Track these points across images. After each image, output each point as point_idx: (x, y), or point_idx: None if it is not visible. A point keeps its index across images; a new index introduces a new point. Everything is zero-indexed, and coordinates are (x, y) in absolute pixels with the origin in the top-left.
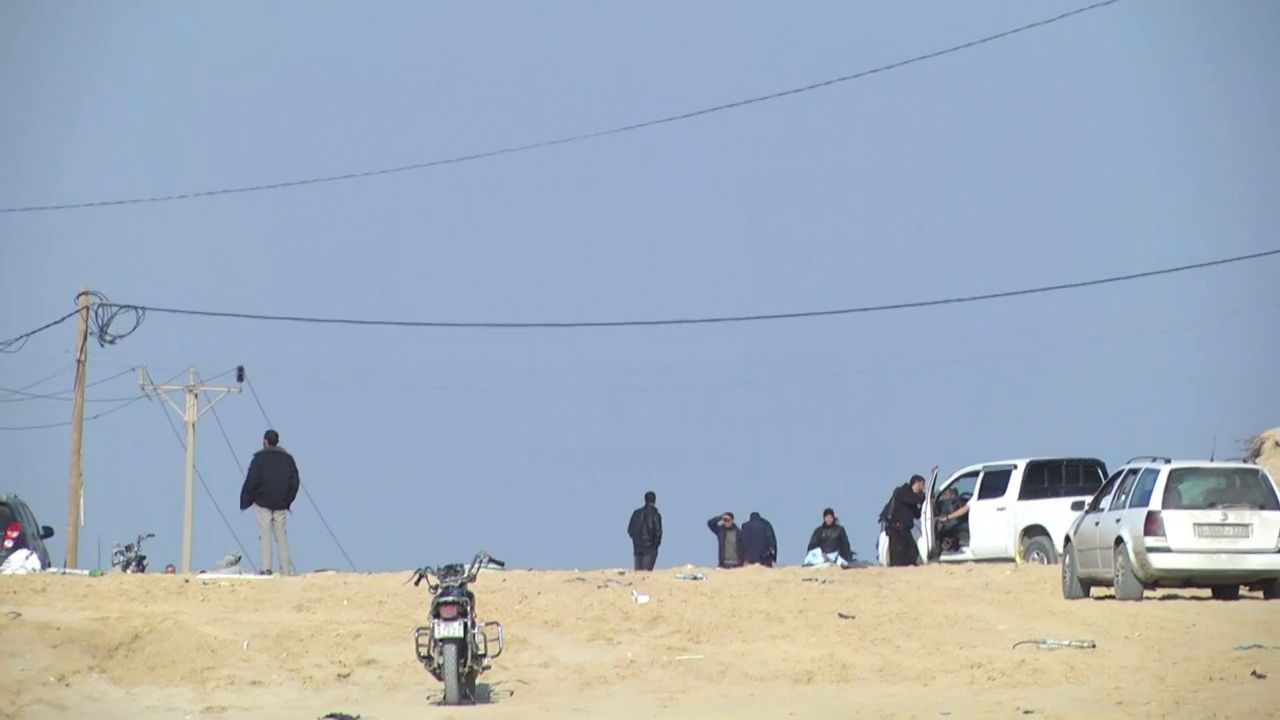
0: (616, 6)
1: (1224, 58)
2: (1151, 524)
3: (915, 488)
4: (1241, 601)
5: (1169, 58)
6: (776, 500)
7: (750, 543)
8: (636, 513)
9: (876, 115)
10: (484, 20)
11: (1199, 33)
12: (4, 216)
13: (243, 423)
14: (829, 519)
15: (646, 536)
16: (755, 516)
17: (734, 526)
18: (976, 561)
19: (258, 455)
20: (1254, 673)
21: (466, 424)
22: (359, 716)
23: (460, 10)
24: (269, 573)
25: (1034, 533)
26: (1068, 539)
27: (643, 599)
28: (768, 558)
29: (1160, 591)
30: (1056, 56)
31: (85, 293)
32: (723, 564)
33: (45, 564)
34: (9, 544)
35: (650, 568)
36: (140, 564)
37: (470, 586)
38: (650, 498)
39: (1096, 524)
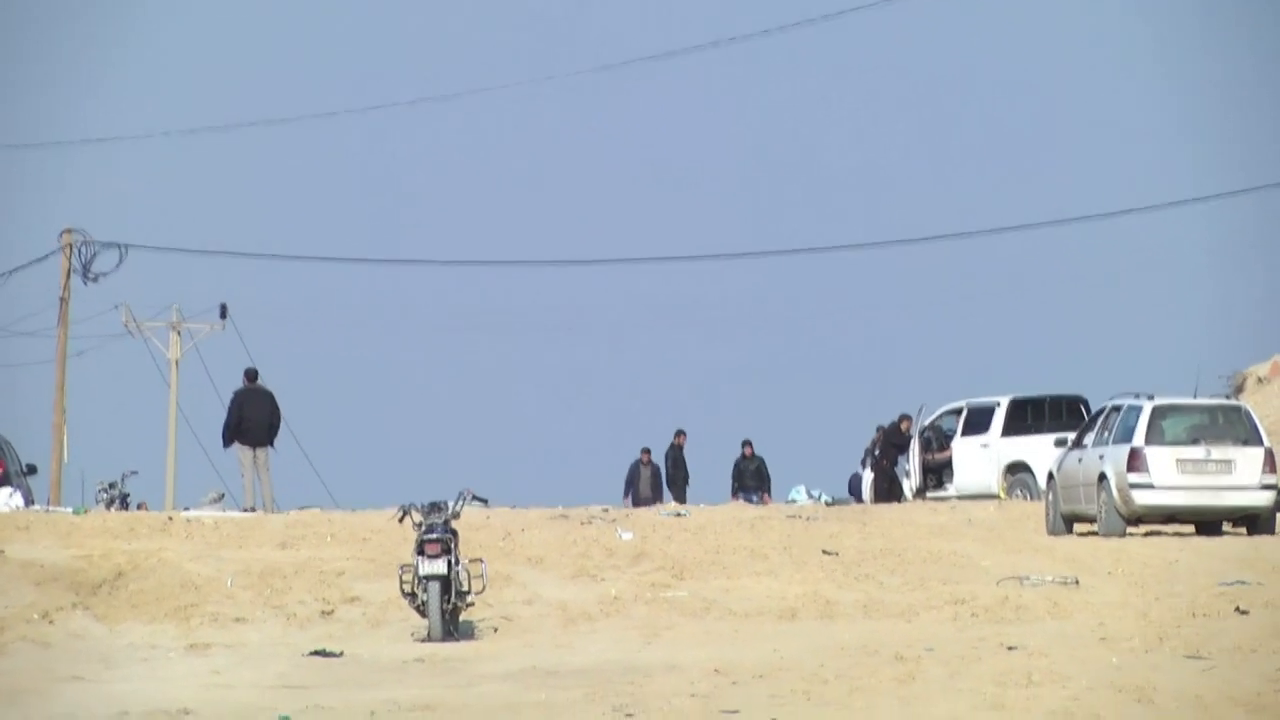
0: None
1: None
2: (1135, 460)
3: (903, 427)
4: (1224, 538)
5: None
6: (761, 438)
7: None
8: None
9: (869, 50)
10: None
11: None
12: None
13: (226, 360)
14: (747, 451)
15: (679, 475)
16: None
17: (650, 462)
18: (960, 498)
19: (237, 393)
20: (1237, 608)
21: (449, 361)
22: (343, 653)
23: None
24: (252, 510)
25: (1017, 469)
26: (1051, 476)
27: (626, 536)
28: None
29: (1143, 528)
30: None
31: (68, 230)
32: (636, 503)
33: (29, 501)
34: None
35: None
36: (124, 501)
37: (454, 524)
38: (680, 434)
39: (1079, 461)
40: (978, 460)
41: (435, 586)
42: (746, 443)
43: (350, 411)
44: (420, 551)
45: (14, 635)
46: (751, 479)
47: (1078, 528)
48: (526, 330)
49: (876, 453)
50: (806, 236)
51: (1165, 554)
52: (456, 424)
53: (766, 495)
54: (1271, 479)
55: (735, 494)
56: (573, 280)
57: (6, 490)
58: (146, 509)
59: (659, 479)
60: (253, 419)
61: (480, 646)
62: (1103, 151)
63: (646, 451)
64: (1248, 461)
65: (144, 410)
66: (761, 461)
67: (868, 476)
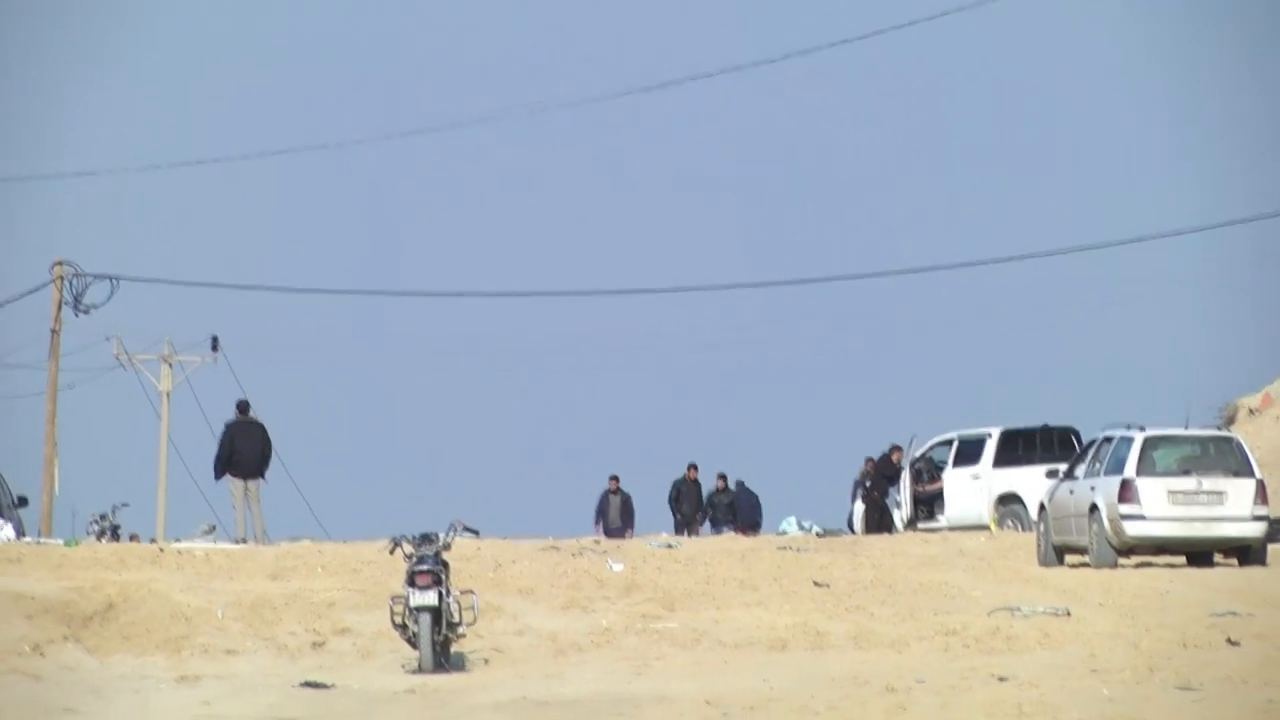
0: None
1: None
2: (1126, 491)
3: (894, 458)
4: (1216, 568)
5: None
6: (752, 469)
7: (740, 511)
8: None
9: (864, 83)
10: None
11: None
12: None
13: (217, 392)
14: (720, 483)
15: (687, 508)
16: (741, 485)
17: (619, 490)
18: (951, 529)
19: (229, 425)
20: (1228, 640)
21: (440, 392)
22: (334, 685)
23: None
24: (244, 542)
25: (1009, 500)
26: (1042, 507)
27: (617, 567)
28: (752, 526)
29: (1135, 559)
30: (1033, 24)
31: (60, 263)
32: (607, 532)
33: (20, 534)
34: None
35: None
36: (115, 533)
37: (445, 555)
38: (692, 469)
39: (1071, 492)
40: (969, 491)
41: (426, 618)
42: (720, 475)
43: (341, 443)
44: (411, 583)
45: (5, 668)
46: (724, 511)
47: (1069, 559)
48: (516, 361)
49: (867, 484)
50: (796, 268)
51: (1156, 585)
52: (447, 455)
53: (739, 528)
54: (1263, 510)
55: (700, 523)
56: (563, 311)
57: None
58: (139, 541)
59: (629, 508)
60: (244, 451)
61: (471, 678)
62: (1094, 182)
63: (615, 479)
64: (1239, 492)
65: (135, 442)
66: (735, 494)
67: (858, 508)
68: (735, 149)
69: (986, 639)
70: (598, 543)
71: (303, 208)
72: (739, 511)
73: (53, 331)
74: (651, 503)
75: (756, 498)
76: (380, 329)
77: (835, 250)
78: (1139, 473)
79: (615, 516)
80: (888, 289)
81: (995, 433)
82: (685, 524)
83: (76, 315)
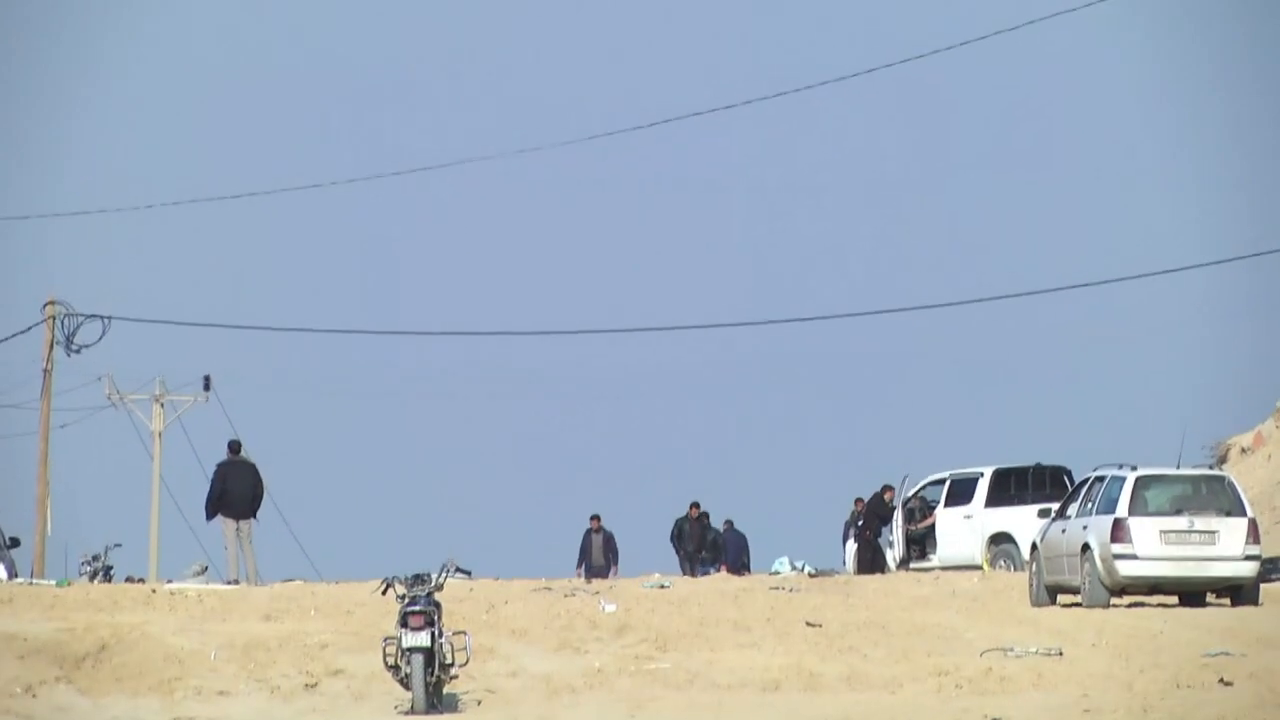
0: (614, 8)
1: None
2: (1118, 531)
3: (886, 497)
4: (1208, 608)
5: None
6: (744, 509)
7: (728, 551)
8: (679, 522)
9: (862, 120)
10: (459, 23)
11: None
12: None
13: (209, 432)
14: (705, 520)
15: (690, 546)
16: (729, 525)
17: (600, 529)
18: (944, 569)
19: (220, 465)
20: (1221, 680)
21: (433, 432)
22: None
23: (435, 12)
24: (236, 582)
25: (1001, 540)
26: (1034, 546)
27: (610, 608)
28: (741, 567)
29: (1127, 599)
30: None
31: (51, 302)
32: (589, 571)
33: (12, 574)
34: None
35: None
36: (108, 574)
37: (437, 596)
38: (694, 507)
39: (1063, 531)
40: (961, 531)
41: (419, 659)
42: (704, 514)
43: (333, 483)
44: (404, 624)
45: None
46: (708, 549)
47: (1062, 598)
48: (509, 400)
49: (859, 524)
50: (788, 307)
51: (1149, 625)
52: (440, 494)
53: (725, 566)
54: (1255, 549)
55: (698, 560)
56: (555, 350)
57: None
58: (136, 581)
59: (611, 546)
60: (236, 491)
61: (464, 719)
62: (1088, 220)
63: (596, 519)
64: (1231, 532)
65: (127, 482)
66: (718, 532)
67: (850, 547)
68: (730, 189)
69: (979, 680)
70: (590, 583)
71: (295, 247)
72: (724, 551)
73: (45, 371)
74: (644, 542)
75: (744, 538)
76: (373, 368)
77: (828, 288)
78: (1131, 512)
79: (598, 555)
80: (881, 327)
81: (987, 472)
82: (689, 562)
83: (68, 355)
